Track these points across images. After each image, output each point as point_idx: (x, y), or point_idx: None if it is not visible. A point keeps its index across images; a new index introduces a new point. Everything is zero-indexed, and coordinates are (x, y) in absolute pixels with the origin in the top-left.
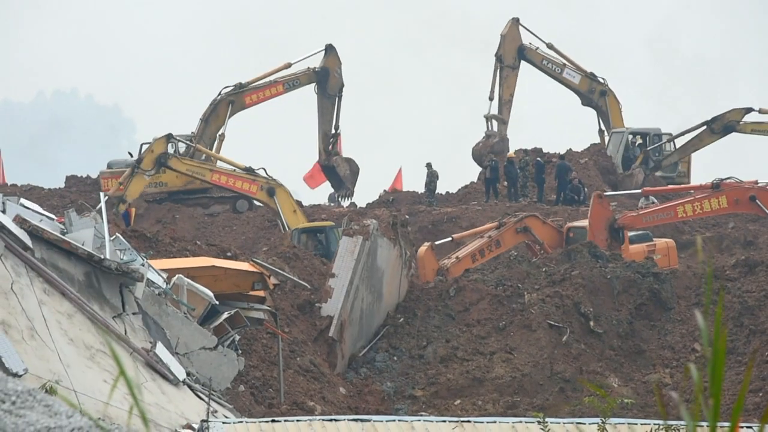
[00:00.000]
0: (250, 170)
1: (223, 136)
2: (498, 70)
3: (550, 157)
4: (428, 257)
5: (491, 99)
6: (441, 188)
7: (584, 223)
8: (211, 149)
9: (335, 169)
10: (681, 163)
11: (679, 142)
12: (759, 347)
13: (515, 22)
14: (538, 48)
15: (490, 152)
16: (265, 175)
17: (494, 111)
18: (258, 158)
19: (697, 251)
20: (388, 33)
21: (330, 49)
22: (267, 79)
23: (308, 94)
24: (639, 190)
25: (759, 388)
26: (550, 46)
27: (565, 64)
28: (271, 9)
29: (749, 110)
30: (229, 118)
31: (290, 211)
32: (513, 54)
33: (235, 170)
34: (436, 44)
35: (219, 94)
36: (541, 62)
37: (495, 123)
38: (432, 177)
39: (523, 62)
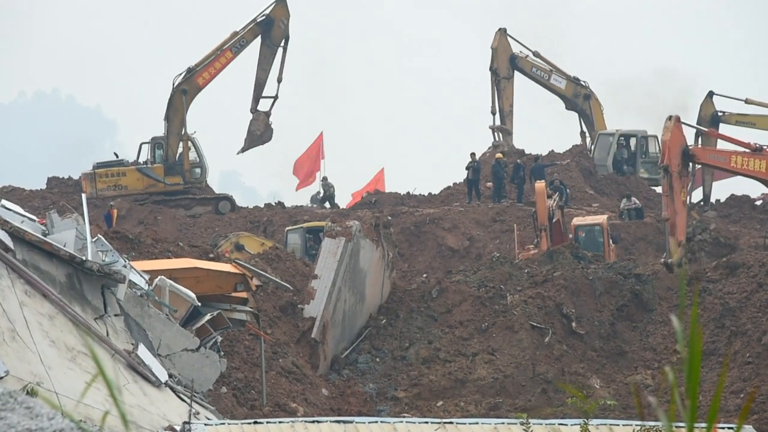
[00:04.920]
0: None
1: (190, 137)
2: (495, 84)
3: (531, 159)
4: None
5: (493, 113)
6: (424, 189)
7: (595, 219)
8: (181, 145)
9: (252, 122)
10: None
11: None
12: (739, 349)
13: (503, 32)
14: (527, 56)
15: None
16: (227, 240)
17: (498, 122)
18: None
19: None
20: (373, 31)
21: (279, 0)
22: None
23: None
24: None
25: (740, 389)
26: (536, 54)
27: (551, 70)
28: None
29: (711, 94)
30: (188, 107)
31: (259, 246)
32: (506, 65)
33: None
34: (422, 44)
35: (173, 86)
36: (531, 70)
37: (500, 134)
38: (328, 188)
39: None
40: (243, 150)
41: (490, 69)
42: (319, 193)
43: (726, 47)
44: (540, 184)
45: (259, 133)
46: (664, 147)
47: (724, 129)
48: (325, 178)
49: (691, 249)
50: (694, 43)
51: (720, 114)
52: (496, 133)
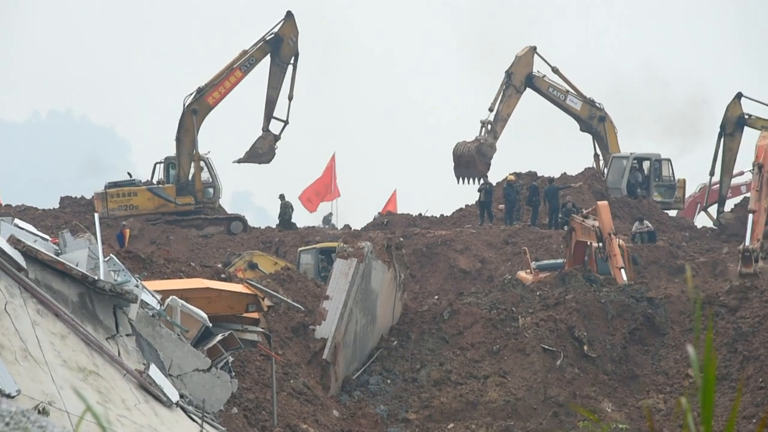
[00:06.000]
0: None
1: (203, 157)
2: (504, 86)
3: (544, 181)
4: None
5: (491, 110)
6: (436, 211)
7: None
8: (192, 167)
9: (258, 140)
10: (677, 189)
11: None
12: (752, 373)
13: (532, 49)
14: (545, 76)
15: (477, 152)
16: (241, 258)
17: (491, 119)
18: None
19: (687, 280)
20: (388, 52)
21: (288, 16)
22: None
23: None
24: None
25: (753, 414)
26: (555, 71)
27: (568, 91)
28: None
29: (740, 95)
30: (199, 127)
31: (272, 265)
32: (521, 79)
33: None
34: (432, 62)
35: (183, 106)
36: (548, 90)
37: (486, 132)
38: (285, 208)
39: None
40: (240, 161)
41: (506, 72)
42: (330, 214)
43: (745, 52)
44: (604, 202)
45: (261, 151)
46: (760, 150)
47: (747, 132)
48: (282, 196)
49: (766, 249)
50: (715, 50)
51: (746, 117)
52: (483, 129)
